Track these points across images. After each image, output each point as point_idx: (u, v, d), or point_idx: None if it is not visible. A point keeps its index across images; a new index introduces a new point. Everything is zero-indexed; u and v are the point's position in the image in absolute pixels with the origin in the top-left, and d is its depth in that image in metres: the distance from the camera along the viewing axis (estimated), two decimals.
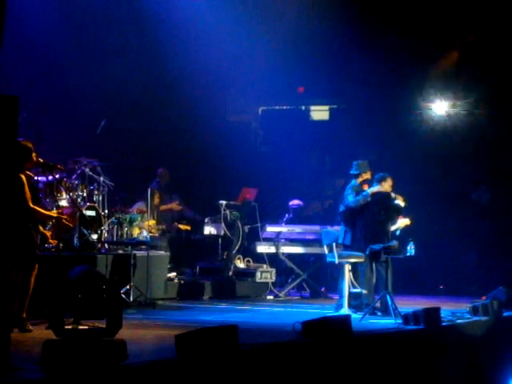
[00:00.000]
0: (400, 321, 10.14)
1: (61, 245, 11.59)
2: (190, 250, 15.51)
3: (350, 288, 11.62)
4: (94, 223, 12.24)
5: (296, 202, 15.97)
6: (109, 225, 12.92)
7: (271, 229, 15.03)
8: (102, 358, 6.18)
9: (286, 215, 15.87)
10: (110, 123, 14.62)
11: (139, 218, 13.04)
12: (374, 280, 11.60)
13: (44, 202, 11.59)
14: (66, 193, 12.03)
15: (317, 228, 14.57)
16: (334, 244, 11.70)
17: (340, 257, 11.62)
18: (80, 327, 6.93)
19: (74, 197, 12.40)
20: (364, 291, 11.59)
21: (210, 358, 6.78)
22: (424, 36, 16.91)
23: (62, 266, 9.46)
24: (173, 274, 13.72)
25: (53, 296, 6.74)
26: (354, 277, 11.85)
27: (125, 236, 12.85)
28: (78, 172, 12.80)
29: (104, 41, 15.49)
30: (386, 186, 11.87)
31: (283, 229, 15.11)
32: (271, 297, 14.52)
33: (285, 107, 19.82)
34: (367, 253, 11.46)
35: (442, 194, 17.21)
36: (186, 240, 15.61)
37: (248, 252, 15.14)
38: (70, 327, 6.75)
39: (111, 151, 14.89)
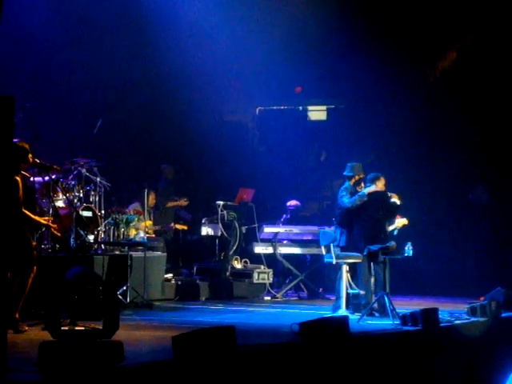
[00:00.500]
0: (398, 322, 10.12)
1: (57, 246, 11.57)
2: (187, 250, 15.50)
3: (347, 289, 11.60)
4: (91, 224, 12.23)
5: (293, 202, 15.94)
6: (105, 225, 12.88)
7: (268, 229, 15.01)
8: (99, 360, 6.17)
9: (284, 216, 15.83)
10: (107, 124, 14.60)
11: (136, 219, 13.00)
12: (373, 280, 11.57)
13: (40, 203, 11.57)
14: (63, 193, 11.99)
15: (314, 228, 14.57)
16: (332, 245, 11.69)
17: (337, 257, 11.60)
18: (76, 328, 6.88)
19: (71, 197, 12.37)
20: (362, 292, 11.56)
21: (208, 359, 6.75)
22: (422, 36, 16.90)
23: (59, 267, 9.44)
24: (170, 275, 13.69)
25: (49, 297, 6.70)
26: (351, 277, 11.83)
27: (121, 237, 12.82)
28: (75, 173, 12.77)
29: (101, 41, 15.46)
30: (380, 185, 11.86)
31: (280, 229, 15.09)
32: (268, 298, 14.49)
33: (282, 107, 19.77)
34: (365, 253, 11.44)
35: (439, 194, 17.20)
36: (183, 241, 15.60)
37: (245, 253, 15.11)
38: (66, 328, 6.71)
39: (108, 151, 14.88)
